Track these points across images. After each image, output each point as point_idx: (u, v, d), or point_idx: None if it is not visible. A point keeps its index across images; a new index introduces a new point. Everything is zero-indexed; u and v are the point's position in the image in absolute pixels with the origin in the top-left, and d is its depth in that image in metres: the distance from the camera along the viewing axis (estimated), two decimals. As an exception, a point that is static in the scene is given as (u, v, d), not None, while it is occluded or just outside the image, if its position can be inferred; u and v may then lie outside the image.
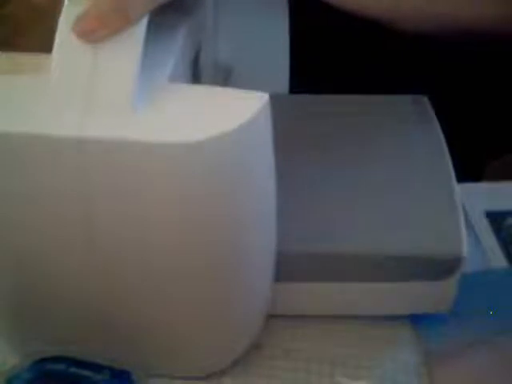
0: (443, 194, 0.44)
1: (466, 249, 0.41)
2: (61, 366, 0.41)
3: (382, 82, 0.52)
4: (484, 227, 0.52)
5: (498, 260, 0.50)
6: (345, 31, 0.55)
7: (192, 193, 0.33)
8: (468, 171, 0.50)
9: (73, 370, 0.41)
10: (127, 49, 0.33)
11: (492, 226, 0.52)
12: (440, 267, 0.42)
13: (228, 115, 0.33)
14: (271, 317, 0.44)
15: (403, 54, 0.58)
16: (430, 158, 0.47)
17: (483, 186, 0.55)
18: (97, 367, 0.41)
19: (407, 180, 0.46)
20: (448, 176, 0.46)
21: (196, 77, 0.45)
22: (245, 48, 0.52)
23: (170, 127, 0.32)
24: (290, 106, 0.51)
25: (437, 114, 0.50)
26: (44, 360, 0.41)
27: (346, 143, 0.48)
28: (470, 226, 0.50)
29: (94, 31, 0.34)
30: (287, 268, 0.42)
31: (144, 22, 0.34)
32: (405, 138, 0.49)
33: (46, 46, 0.34)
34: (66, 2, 0.34)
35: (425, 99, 0.52)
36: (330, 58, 0.58)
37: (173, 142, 0.32)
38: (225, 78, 0.50)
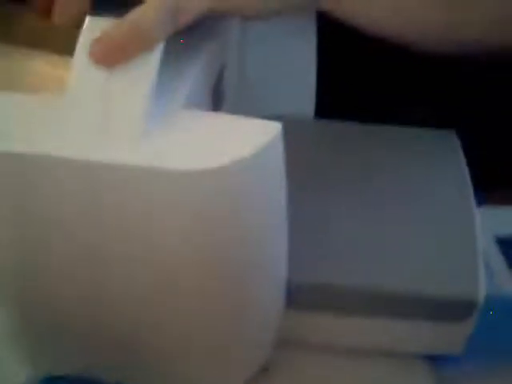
0: (464, 235, 0.44)
1: (483, 293, 0.41)
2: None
3: (407, 110, 0.52)
4: (494, 251, 0.52)
5: (508, 284, 0.49)
6: (373, 57, 0.54)
7: (201, 219, 0.33)
8: (478, 195, 0.49)
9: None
10: (142, 74, 0.34)
11: (501, 251, 0.52)
12: (454, 309, 0.41)
13: (240, 144, 0.33)
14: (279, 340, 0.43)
15: (431, 83, 0.58)
16: (454, 197, 0.47)
17: (493, 211, 0.54)
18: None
19: (427, 217, 0.45)
20: (470, 215, 0.45)
21: (219, 96, 0.45)
22: (272, 68, 0.52)
23: (179, 155, 0.32)
24: (315, 133, 0.51)
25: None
26: (53, 378, 0.41)
27: (366, 175, 0.48)
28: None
29: (110, 56, 0.33)
30: (298, 297, 0.42)
31: (160, 47, 0.34)
32: (429, 174, 0.49)
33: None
34: (84, 25, 0.35)
35: (452, 133, 0.51)
36: (356, 83, 0.58)
37: (183, 169, 0.32)
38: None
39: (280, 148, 0.34)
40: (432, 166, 0.49)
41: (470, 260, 0.42)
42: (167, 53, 0.35)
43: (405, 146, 0.51)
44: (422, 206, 0.46)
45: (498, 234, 0.53)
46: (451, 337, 0.43)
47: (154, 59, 0.34)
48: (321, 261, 0.42)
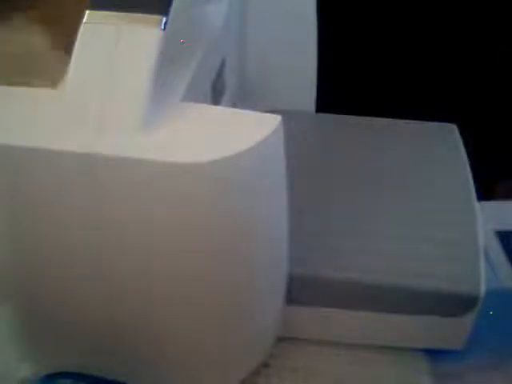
0: (464, 229, 0.44)
1: (483, 288, 0.41)
2: (68, 382, 0.41)
3: (409, 106, 0.52)
4: (494, 246, 0.51)
5: (508, 279, 0.49)
6: (373, 51, 0.54)
7: (202, 211, 0.33)
8: (479, 190, 0.49)
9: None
10: (141, 67, 0.33)
11: (502, 245, 0.52)
12: (454, 304, 0.41)
13: (240, 136, 0.33)
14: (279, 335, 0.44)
15: (432, 76, 0.57)
16: (455, 191, 0.47)
17: (494, 205, 0.54)
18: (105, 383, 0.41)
19: (428, 211, 0.45)
20: (471, 209, 0.45)
21: (219, 90, 0.44)
22: (272, 62, 0.52)
23: (180, 147, 0.32)
24: (315, 126, 0.51)
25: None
26: (54, 375, 0.41)
27: (367, 168, 0.48)
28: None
29: None
30: (299, 292, 0.42)
31: (159, 41, 0.34)
32: (429, 168, 0.49)
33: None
34: (84, 20, 0.34)
35: (453, 127, 0.51)
36: (357, 78, 0.58)
37: (183, 162, 0.32)
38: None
39: (280, 140, 0.34)
40: (433, 160, 0.49)
41: (471, 255, 0.42)
42: (167, 46, 0.35)
43: (405, 140, 0.51)
44: (422, 199, 0.46)
45: (499, 228, 0.53)
46: (452, 331, 0.43)
47: (154, 52, 0.34)
48: (321, 256, 0.42)
